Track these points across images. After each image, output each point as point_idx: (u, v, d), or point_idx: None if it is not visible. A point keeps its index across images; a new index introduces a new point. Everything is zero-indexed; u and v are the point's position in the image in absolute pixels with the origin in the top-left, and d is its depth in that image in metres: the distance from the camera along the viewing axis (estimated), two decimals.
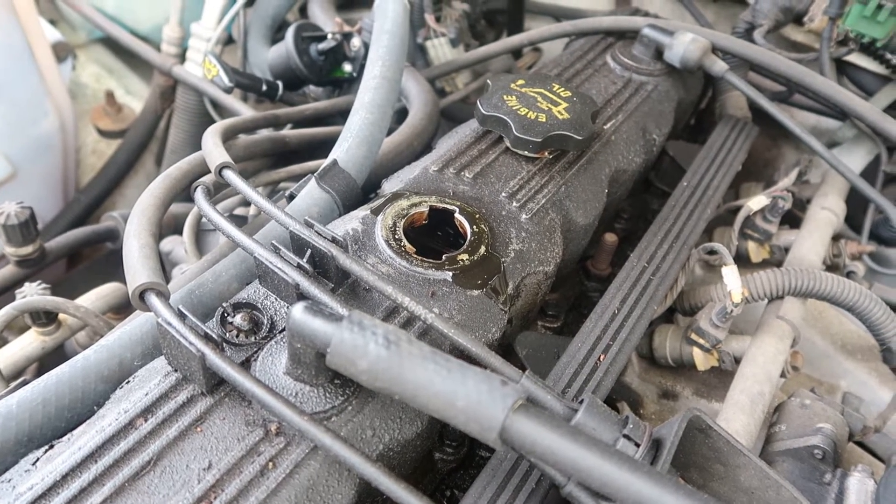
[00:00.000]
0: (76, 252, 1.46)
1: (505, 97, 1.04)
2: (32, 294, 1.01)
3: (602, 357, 0.86)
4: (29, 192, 1.65)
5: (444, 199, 0.91)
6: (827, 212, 1.31)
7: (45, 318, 1.06)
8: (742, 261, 1.28)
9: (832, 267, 1.33)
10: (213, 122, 1.78)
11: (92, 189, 1.83)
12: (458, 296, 0.80)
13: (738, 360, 1.04)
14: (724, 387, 1.01)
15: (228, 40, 1.88)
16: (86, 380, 0.71)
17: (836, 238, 1.34)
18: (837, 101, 1.23)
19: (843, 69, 1.49)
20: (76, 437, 0.63)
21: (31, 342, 1.06)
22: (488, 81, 1.09)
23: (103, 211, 1.81)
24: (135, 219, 0.82)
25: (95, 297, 1.14)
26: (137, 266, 0.72)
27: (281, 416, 0.61)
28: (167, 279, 0.81)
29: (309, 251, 0.75)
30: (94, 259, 1.75)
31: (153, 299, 0.68)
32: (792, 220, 1.36)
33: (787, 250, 1.27)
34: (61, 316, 1.08)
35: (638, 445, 0.65)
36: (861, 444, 1.12)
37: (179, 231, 1.35)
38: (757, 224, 1.26)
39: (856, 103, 1.22)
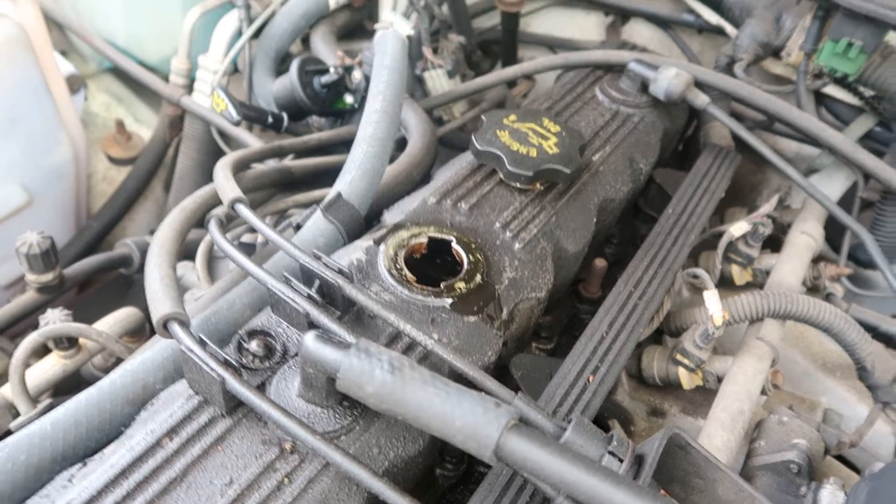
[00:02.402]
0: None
1: (498, 132, 1.11)
2: (56, 321, 1.07)
3: (591, 378, 0.92)
4: (43, 219, 1.70)
5: (442, 230, 0.98)
6: (805, 236, 1.37)
7: (67, 342, 1.12)
8: (726, 283, 1.34)
9: (813, 289, 1.38)
10: (219, 149, 1.86)
11: (103, 215, 1.88)
12: (456, 322, 0.86)
13: (720, 380, 1.09)
14: (709, 404, 1.06)
15: (233, 70, 1.95)
16: (113, 402, 0.77)
17: (816, 261, 1.40)
18: (812, 133, 1.30)
19: (821, 99, 1.55)
20: (107, 455, 0.69)
21: (53, 365, 1.11)
22: (483, 117, 1.15)
23: (114, 236, 1.87)
24: (155, 250, 0.88)
25: (112, 322, 1.19)
26: (160, 296, 0.78)
27: (295, 436, 0.67)
28: None
29: (317, 282, 0.82)
30: (103, 283, 1.80)
31: (176, 328, 0.75)
32: (776, 243, 1.42)
33: (769, 273, 1.33)
34: (81, 340, 1.14)
35: (622, 461, 0.70)
36: (843, 459, 1.18)
37: (189, 256, 1.41)
38: (739, 249, 1.31)
39: (829, 135, 1.28)
